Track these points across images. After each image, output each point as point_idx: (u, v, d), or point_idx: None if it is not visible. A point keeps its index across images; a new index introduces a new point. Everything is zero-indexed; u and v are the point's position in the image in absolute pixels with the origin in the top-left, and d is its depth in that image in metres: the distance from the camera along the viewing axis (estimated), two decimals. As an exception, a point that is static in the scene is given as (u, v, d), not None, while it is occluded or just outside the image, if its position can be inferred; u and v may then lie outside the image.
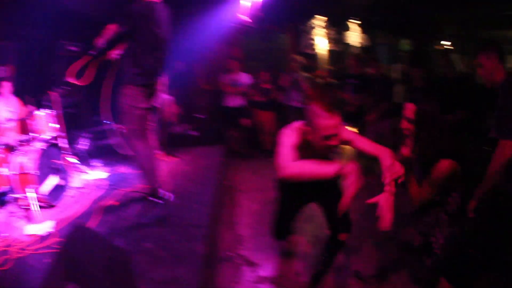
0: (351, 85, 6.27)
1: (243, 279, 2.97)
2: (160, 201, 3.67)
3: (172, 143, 5.75)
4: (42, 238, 3.51)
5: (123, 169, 5.09)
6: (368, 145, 2.36)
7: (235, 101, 7.07)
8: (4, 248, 3.43)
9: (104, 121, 6.61)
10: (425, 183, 2.50)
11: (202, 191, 4.17)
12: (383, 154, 2.19)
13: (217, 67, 7.50)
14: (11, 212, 4.34)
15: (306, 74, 7.28)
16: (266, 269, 3.13)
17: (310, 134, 2.16)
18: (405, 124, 2.58)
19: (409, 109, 2.57)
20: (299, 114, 7.17)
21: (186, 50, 6.93)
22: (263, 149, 7.27)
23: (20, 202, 4.20)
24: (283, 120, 7.39)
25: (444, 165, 2.41)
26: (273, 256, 3.32)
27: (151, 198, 3.74)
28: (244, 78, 7.06)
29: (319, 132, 2.06)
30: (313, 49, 8.52)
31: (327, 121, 2.02)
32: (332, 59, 8.67)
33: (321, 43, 8.66)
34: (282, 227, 2.89)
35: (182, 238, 3.04)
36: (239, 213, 4.45)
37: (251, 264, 3.20)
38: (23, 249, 3.36)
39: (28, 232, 3.73)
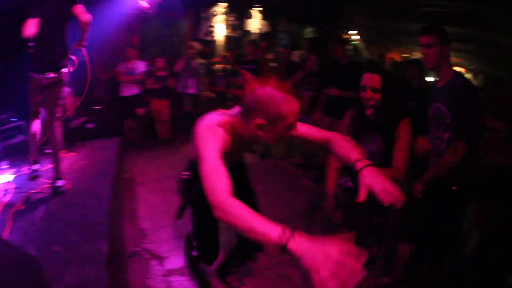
0: (247, 71, 6.60)
1: (154, 274, 3.04)
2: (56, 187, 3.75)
3: (68, 138, 5.51)
4: None
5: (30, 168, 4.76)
6: (314, 131, 2.08)
7: (130, 90, 6.91)
8: None
9: (11, 119, 6.08)
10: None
11: (101, 187, 4.07)
12: (334, 137, 1.99)
13: (116, 55, 7.24)
14: None
15: (202, 61, 7.40)
16: (174, 261, 3.24)
17: (245, 128, 1.78)
18: (369, 94, 2.55)
19: (374, 79, 2.55)
20: (194, 101, 7.30)
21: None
22: (159, 138, 7.29)
23: None
24: (179, 108, 7.46)
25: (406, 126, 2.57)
26: (178, 247, 3.43)
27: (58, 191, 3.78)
28: (141, 66, 6.92)
29: (283, 122, 1.69)
30: (212, 36, 8.64)
31: (294, 105, 1.69)
32: (231, 46, 8.88)
33: (221, 30, 8.79)
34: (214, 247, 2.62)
35: (87, 238, 2.98)
36: (139, 206, 4.47)
37: (159, 257, 3.29)
38: None
39: None
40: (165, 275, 3.04)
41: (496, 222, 3.19)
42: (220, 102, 8.02)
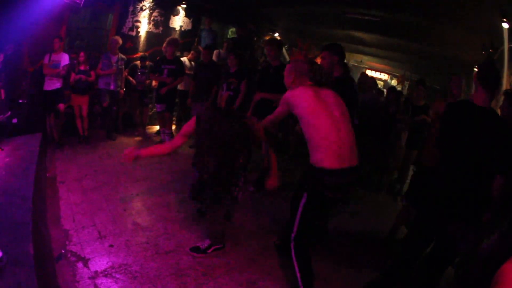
0: (166, 70, 6.98)
1: (81, 277, 3.15)
2: None
3: None
4: None
5: None
6: None
7: (52, 84, 6.74)
8: None
9: None
10: None
11: (23, 185, 3.98)
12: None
13: (44, 46, 6.98)
14: None
15: (123, 56, 7.50)
16: (99, 263, 3.40)
17: None
18: None
19: None
20: (112, 97, 7.33)
21: (15, 29, 6.37)
22: (78, 134, 7.23)
23: None
24: (96, 104, 7.45)
25: None
26: (101, 248, 3.63)
27: None
28: (64, 59, 6.75)
29: None
30: (137, 32, 8.63)
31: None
32: (152, 42, 8.91)
33: (142, 25, 8.78)
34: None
35: (14, 239, 2.92)
36: (61, 206, 4.51)
37: (83, 259, 3.42)
38: None
39: None
40: (91, 277, 3.16)
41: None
42: (138, 98, 8.14)
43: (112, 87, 7.36)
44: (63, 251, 3.49)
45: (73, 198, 4.74)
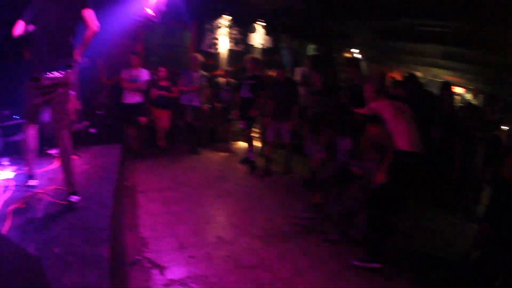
0: (248, 86, 6.66)
1: (155, 283, 3.01)
2: (70, 202, 3.54)
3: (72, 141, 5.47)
4: None
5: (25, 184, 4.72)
6: None
7: (133, 98, 6.89)
8: None
9: (14, 116, 6.05)
10: None
11: (103, 192, 4.03)
12: None
13: (119, 61, 7.25)
14: None
15: (205, 73, 7.44)
16: (175, 271, 3.22)
17: None
18: None
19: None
20: (196, 113, 7.30)
21: (91, 44, 6.68)
22: (159, 147, 7.27)
23: None
24: (180, 118, 7.46)
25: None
26: (180, 257, 3.45)
27: (61, 200, 3.62)
28: (144, 74, 6.91)
29: None
30: (216, 49, 8.65)
31: None
32: (233, 60, 8.87)
33: (224, 43, 8.82)
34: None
35: (88, 242, 2.93)
36: (140, 215, 4.43)
37: (160, 267, 3.26)
38: None
39: None
40: (165, 285, 3.01)
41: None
42: (221, 114, 8.06)
43: (195, 103, 7.37)
44: (138, 258, 3.36)
45: (153, 208, 4.66)
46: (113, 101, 7.23)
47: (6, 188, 4.30)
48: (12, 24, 3.46)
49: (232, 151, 8.01)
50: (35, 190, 3.98)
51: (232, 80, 7.87)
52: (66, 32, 3.60)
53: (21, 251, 2.30)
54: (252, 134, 6.89)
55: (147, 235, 3.89)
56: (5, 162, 5.22)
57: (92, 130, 6.38)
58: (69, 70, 3.60)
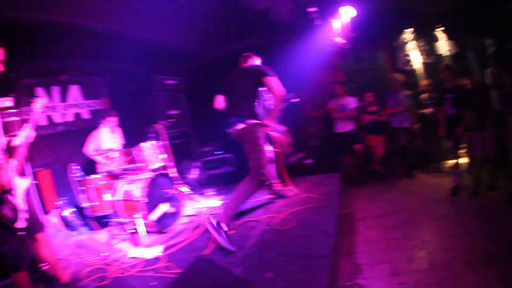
0: (450, 100, 6.17)
1: None
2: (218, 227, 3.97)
3: (288, 173, 6.05)
4: (148, 261, 3.95)
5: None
6: None
7: (345, 127, 7.29)
8: (103, 266, 4.01)
9: (216, 151, 7.30)
10: None
11: (325, 221, 4.29)
12: None
13: (322, 93, 7.86)
14: (114, 235, 4.97)
15: (408, 92, 7.37)
16: None
17: None
18: None
19: None
20: (408, 135, 7.22)
21: (290, 79, 7.48)
22: (375, 173, 7.42)
23: (126, 227, 4.77)
24: (393, 143, 7.51)
25: None
26: (389, 285, 3.50)
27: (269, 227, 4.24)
28: (351, 102, 7.25)
29: None
30: (410, 65, 8.47)
31: None
32: (428, 73, 8.50)
33: (415, 57, 8.56)
34: None
35: (303, 269, 3.12)
36: (357, 241, 4.63)
37: None
38: (124, 270, 3.85)
39: (132, 254, 4.21)
40: None
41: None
42: (432, 132, 7.67)
43: (405, 125, 7.34)
44: (349, 283, 3.56)
45: (371, 234, 4.81)
46: (325, 131, 7.81)
47: (211, 215, 5.08)
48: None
49: (445, 171, 7.49)
50: (249, 218, 4.69)
51: (433, 94, 7.51)
52: (246, 97, 4.38)
53: (228, 274, 2.74)
54: (460, 152, 6.31)
55: (362, 261, 4.06)
56: (211, 192, 6.32)
57: (308, 161, 7.03)
58: (250, 123, 4.27)
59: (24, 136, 3.30)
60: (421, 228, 4.94)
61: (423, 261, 4.05)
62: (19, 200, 3.12)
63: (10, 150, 3.25)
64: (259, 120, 4.33)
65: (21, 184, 3.24)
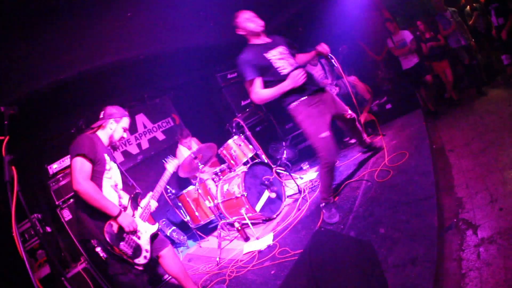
0: (493, 10, 5.88)
1: (467, 245, 3.11)
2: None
3: (373, 122, 6.12)
4: (263, 252, 4.18)
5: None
6: None
7: (409, 62, 7.17)
8: (219, 271, 4.30)
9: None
10: None
11: (420, 161, 4.34)
12: None
13: (377, 35, 7.75)
14: (222, 237, 5.22)
15: (452, 9, 7.03)
16: (486, 229, 3.24)
17: None
18: None
19: None
20: (468, 52, 7.00)
21: (341, 33, 7.36)
22: (451, 100, 7.22)
23: (235, 226, 4.96)
24: (457, 64, 7.27)
25: None
26: (491, 212, 3.44)
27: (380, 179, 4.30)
28: (407, 35, 7.08)
29: None
30: None
31: None
32: None
33: None
34: None
35: (414, 215, 3.23)
36: (454, 175, 4.55)
37: (473, 226, 3.35)
38: (241, 268, 4.06)
39: (246, 250, 4.46)
40: (477, 245, 3.06)
41: None
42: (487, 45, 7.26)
43: (463, 43, 7.03)
44: (454, 220, 3.54)
45: (464, 164, 4.70)
46: (394, 72, 7.67)
47: (312, 188, 5.22)
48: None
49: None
50: (349, 181, 4.76)
51: (475, 5, 7.03)
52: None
53: (348, 239, 2.79)
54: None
55: (462, 194, 4.01)
56: (305, 166, 6.37)
57: (388, 106, 6.98)
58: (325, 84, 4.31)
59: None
60: (507, 148, 4.73)
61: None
62: (142, 241, 3.54)
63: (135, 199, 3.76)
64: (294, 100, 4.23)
65: (149, 229, 3.70)
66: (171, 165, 4.31)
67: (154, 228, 3.74)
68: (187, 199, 5.91)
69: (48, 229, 5.18)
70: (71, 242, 5.26)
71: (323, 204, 4.23)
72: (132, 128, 7.39)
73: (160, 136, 7.80)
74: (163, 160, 4.36)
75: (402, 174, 4.20)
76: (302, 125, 4.22)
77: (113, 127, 3.76)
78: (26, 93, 4.98)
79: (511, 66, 6.12)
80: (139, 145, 7.42)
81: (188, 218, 6.01)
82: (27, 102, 5.04)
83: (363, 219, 3.68)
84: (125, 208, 3.54)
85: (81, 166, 3.25)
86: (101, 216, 3.29)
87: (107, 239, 3.24)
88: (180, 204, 6.08)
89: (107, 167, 3.50)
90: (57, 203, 5.47)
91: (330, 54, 4.51)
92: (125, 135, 3.90)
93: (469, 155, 4.89)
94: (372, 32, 8.08)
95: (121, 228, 3.37)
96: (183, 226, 6.60)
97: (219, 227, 5.35)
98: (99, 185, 3.37)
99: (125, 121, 3.85)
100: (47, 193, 5.48)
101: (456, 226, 3.47)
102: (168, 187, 6.09)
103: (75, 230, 5.18)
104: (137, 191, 3.87)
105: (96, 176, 3.38)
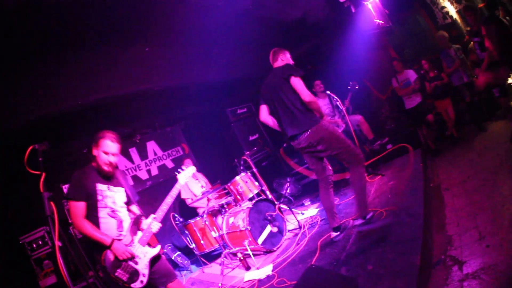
0: (476, 44, 6.08)
1: (452, 280, 3.31)
2: (373, 225, 4.35)
3: (374, 162, 6.39)
4: (262, 281, 4.43)
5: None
6: None
7: (413, 101, 7.48)
8: None
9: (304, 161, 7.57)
10: None
11: (412, 204, 4.58)
12: None
13: (382, 74, 8.14)
14: (225, 265, 5.43)
15: (456, 46, 7.39)
16: (472, 265, 3.43)
17: None
18: None
19: None
20: (470, 89, 7.40)
21: (349, 71, 7.72)
22: (451, 137, 7.48)
23: (237, 255, 5.22)
24: (459, 101, 7.63)
25: None
26: (477, 249, 3.63)
27: (366, 221, 4.51)
28: (411, 75, 7.42)
29: None
30: (450, 17, 8.37)
31: None
32: (465, 21, 8.19)
33: (451, 9, 8.42)
34: None
35: (398, 254, 3.46)
36: (446, 213, 4.78)
37: (459, 262, 3.55)
38: None
39: (246, 279, 4.71)
40: (461, 280, 3.25)
41: None
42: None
43: (466, 80, 7.36)
44: (442, 257, 3.77)
45: (458, 203, 4.93)
46: (397, 111, 8.00)
47: (312, 224, 5.50)
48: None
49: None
50: (346, 219, 4.97)
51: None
52: (292, 100, 4.38)
53: (336, 275, 3.16)
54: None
55: (452, 232, 4.23)
56: (307, 202, 6.65)
57: (389, 146, 7.27)
58: (315, 127, 4.32)
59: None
60: (502, 185, 4.93)
61: (504, 219, 4.12)
62: (140, 266, 3.74)
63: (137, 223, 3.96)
64: (315, 116, 4.40)
65: (148, 253, 3.83)
66: (183, 176, 4.35)
67: (154, 251, 3.87)
68: (194, 228, 6.26)
69: (59, 243, 5.51)
70: (80, 256, 5.55)
71: (366, 220, 4.54)
72: (142, 154, 7.75)
73: (170, 164, 8.15)
74: (175, 172, 4.40)
75: (394, 215, 4.48)
76: (330, 133, 4.39)
77: (96, 153, 3.71)
78: (46, 114, 5.44)
79: (501, 98, 6.35)
80: (148, 171, 7.76)
81: (193, 245, 6.33)
82: (46, 123, 5.53)
83: (355, 256, 3.96)
84: (122, 234, 3.79)
85: (74, 209, 3.59)
86: (100, 245, 3.61)
87: (105, 265, 3.57)
88: (186, 232, 6.41)
89: (99, 197, 3.68)
90: (70, 221, 5.78)
91: (335, 97, 4.82)
92: (111, 158, 3.73)
93: (463, 194, 5.13)
94: (378, 71, 8.44)
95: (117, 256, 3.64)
96: (187, 252, 6.89)
97: (222, 255, 5.64)
98: (96, 216, 3.66)
99: (104, 145, 3.68)
100: (61, 210, 5.76)
101: (444, 262, 3.71)
102: (176, 215, 6.43)
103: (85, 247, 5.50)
104: (138, 214, 4.04)
105: (91, 209, 3.66)
